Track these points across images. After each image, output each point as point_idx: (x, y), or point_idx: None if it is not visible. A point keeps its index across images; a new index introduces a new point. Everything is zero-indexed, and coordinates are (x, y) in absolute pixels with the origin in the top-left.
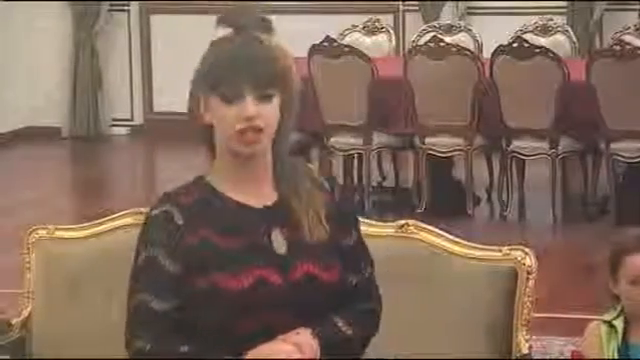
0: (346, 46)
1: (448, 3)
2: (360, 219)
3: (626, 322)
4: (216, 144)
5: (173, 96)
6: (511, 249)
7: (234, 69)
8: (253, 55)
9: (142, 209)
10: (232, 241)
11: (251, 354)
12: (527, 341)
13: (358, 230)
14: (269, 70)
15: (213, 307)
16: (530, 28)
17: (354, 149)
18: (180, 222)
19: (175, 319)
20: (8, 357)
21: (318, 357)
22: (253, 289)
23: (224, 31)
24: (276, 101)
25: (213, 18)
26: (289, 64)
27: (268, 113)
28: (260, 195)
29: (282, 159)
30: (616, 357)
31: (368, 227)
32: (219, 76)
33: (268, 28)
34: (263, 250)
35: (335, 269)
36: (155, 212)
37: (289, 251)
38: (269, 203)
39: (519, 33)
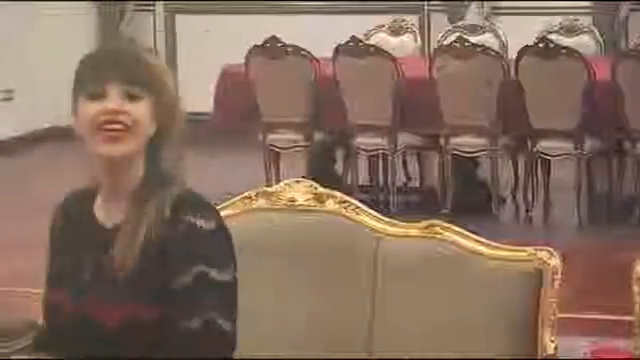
0: (371, 46)
1: (473, 3)
2: (384, 219)
3: None
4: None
5: (198, 96)
6: (536, 250)
7: (99, 65)
8: (122, 53)
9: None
10: (65, 257)
11: None
12: (552, 341)
13: (201, 271)
14: (138, 68)
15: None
16: (555, 28)
17: (379, 149)
18: (59, 223)
19: None
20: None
21: None
22: (47, 310)
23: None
24: (145, 104)
25: (238, 18)
26: (160, 71)
27: (135, 112)
28: (116, 211)
29: (151, 178)
30: None
31: (393, 228)
32: (85, 74)
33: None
34: (79, 272)
35: (134, 307)
36: (56, 206)
37: (96, 279)
38: (117, 221)
39: (544, 33)
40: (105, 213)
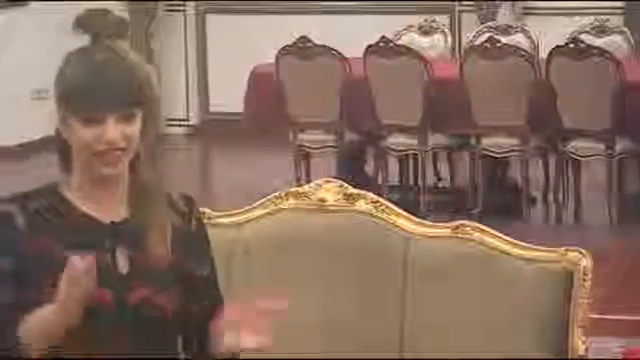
0: (402, 46)
1: (504, 3)
2: (414, 219)
3: None
4: (72, 159)
5: (229, 96)
6: (567, 250)
7: (94, 90)
8: (114, 73)
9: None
10: (71, 254)
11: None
12: (583, 342)
13: (212, 261)
14: (130, 88)
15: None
16: (586, 28)
17: (409, 150)
18: (21, 225)
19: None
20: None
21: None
22: (85, 309)
23: (80, 37)
24: (137, 120)
25: (268, 18)
26: (149, 77)
27: (130, 133)
28: (110, 209)
29: (139, 175)
30: None
31: (423, 228)
32: (78, 96)
33: (123, 32)
34: (105, 269)
35: (173, 297)
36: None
37: (131, 272)
38: (117, 219)
39: (575, 34)
40: (96, 211)
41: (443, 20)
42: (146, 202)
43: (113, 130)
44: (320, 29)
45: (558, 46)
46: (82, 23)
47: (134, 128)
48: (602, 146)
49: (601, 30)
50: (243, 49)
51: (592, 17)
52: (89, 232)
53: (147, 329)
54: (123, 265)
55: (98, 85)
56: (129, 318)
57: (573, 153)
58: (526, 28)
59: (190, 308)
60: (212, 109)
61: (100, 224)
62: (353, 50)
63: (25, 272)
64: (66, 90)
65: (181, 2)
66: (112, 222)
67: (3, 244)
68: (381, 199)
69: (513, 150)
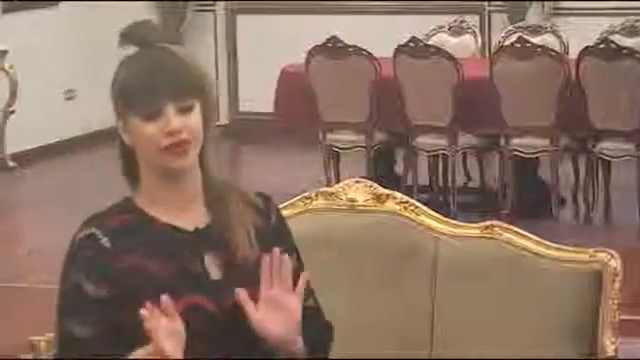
0: (432, 46)
1: (534, 4)
2: (444, 219)
3: None
4: (140, 164)
5: (259, 96)
6: (597, 251)
7: (149, 84)
8: (167, 66)
9: None
10: (162, 266)
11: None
12: (612, 343)
13: (298, 255)
14: (186, 79)
15: (142, 336)
16: (617, 29)
17: (439, 150)
18: (107, 245)
19: (101, 346)
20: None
21: None
22: (183, 318)
23: (129, 49)
24: (198, 111)
25: (298, 17)
26: (204, 71)
27: (193, 124)
28: (191, 216)
29: (210, 175)
30: None
31: (453, 228)
32: (134, 94)
33: (172, 39)
34: (196, 276)
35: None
36: (80, 235)
37: (224, 276)
38: (201, 225)
39: (605, 34)
40: (177, 219)
41: (473, 20)
42: (225, 203)
43: (175, 121)
44: (350, 29)
45: (588, 46)
46: (129, 34)
47: (194, 119)
48: (632, 146)
49: (632, 30)
50: (273, 49)
51: (622, 17)
52: (174, 242)
53: (245, 331)
54: (214, 271)
55: (153, 79)
56: (229, 323)
57: (603, 153)
58: (556, 28)
59: None
60: (242, 109)
61: (184, 232)
62: (383, 50)
63: (119, 289)
64: (122, 90)
65: (211, 2)
66: (196, 228)
67: (91, 266)
68: (410, 199)
69: (543, 150)
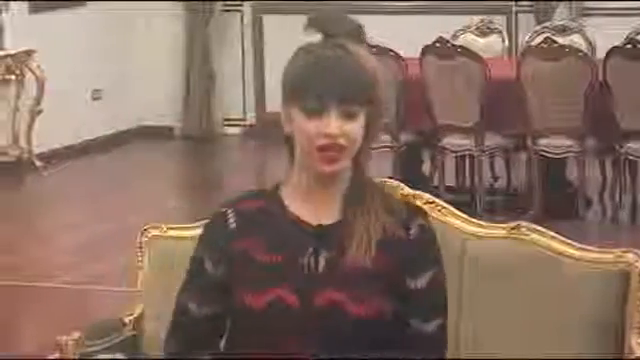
0: (459, 47)
1: (561, 4)
2: (471, 220)
3: None
4: (295, 155)
5: None
6: (623, 252)
7: (319, 82)
8: (341, 68)
9: None
10: (272, 256)
11: None
12: (639, 344)
13: (435, 275)
14: (357, 86)
15: (236, 322)
16: None
17: (466, 150)
18: (232, 226)
19: (213, 325)
20: (121, 355)
21: None
22: (265, 309)
23: (312, 36)
24: (361, 118)
25: None
26: (377, 78)
27: (352, 131)
28: (322, 211)
29: (360, 178)
30: None
31: (480, 228)
32: (303, 87)
33: (359, 37)
34: (299, 269)
35: (372, 304)
36: (215, 212)
37: (326, 275)
38: (327, 222)
39: (633, 34)
40: (307, 213)
41: (500, 20)
42: (362, 207)
43: (335, 125)
44: (376, 29)
45: (615, 47)
46: (316, 23)
47: (355, 126)
48: None
49: None
50: None
51: None
52: (293, 235)
53: (330, 334)
54: (319, 268)
55: (324, 77)
56: (311, 321)
57: (630, 154)
58: (583, 28)
59: (409, 326)
60: (269, 109)
61: (306, 227)
62: (410, 50)
63: (233, 270)
64: (291, 81)
65: (238, 2)
66: (319, 225)
67: (214, 244)
68: (437, 199)
69: (570, 151)
